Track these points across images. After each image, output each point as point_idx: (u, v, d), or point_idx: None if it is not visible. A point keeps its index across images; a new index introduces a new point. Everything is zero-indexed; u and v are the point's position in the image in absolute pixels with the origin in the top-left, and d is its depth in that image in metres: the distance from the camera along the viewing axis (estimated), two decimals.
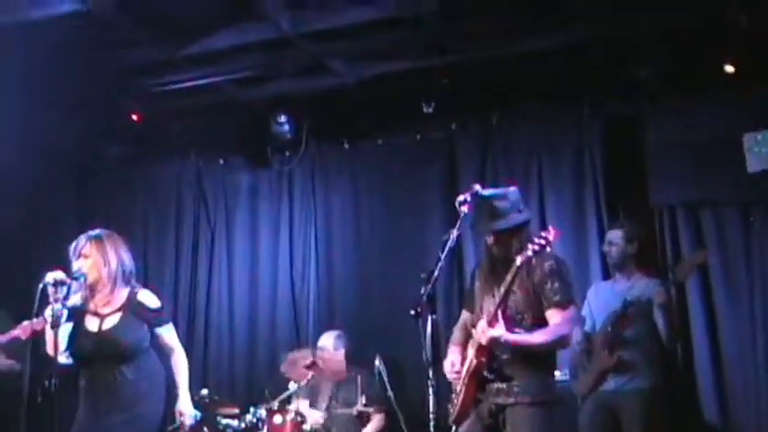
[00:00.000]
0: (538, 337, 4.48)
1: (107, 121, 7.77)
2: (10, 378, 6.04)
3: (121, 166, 8.47)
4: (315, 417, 6.77)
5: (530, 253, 4.39)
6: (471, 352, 4.59)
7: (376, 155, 7.94)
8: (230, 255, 8.31)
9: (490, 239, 4.68)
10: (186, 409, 5.02)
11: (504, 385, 4.52)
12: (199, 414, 5.20)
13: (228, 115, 7.79)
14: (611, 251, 6.06)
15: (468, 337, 4.76)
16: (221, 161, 8.50)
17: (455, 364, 4.69)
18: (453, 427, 4.67)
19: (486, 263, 4.80)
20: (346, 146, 8.04)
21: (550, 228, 4.48)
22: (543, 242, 4.40)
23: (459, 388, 4.65)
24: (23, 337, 5.52)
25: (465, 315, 4.98)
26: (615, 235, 6.07)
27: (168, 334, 5.02)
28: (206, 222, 8.46)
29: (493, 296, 4.58)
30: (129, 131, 7.95)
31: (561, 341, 4.56)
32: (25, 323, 5.36)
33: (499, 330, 4.41)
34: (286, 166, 8.16)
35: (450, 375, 4.66)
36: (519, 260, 4.43)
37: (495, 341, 4.41)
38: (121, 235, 5.06)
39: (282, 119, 7.54)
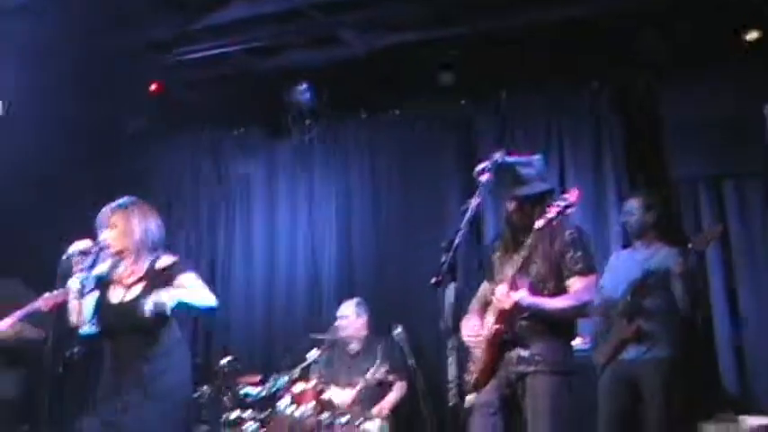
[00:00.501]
0: (560, 302, 4.47)
1: (126, 93, 7.77)
2: (38, 346, 6.05)
3: (140, 138, 8.49)
4: (342, 397, 6.81)
5: (550, 215, 4.36)
6: (490, 319, 4.58)
7: (394, 125, 7.92)
8: (249, 225, 8.33)
9: (512, 206, 4.65)
10: (165, 297, 4.62)
11: (524, 353, 4.51)
12: (168, 308, 4.66)
13: (246, 86, 7.79)
14: (630, 221, 6.02)
15: (486, 307, 4.76)
16: (239, 132, 8.50)
17: (474, 327, 4.70)
18: (470, 396, 4.68)
19: (507, 231, 4.76)
20: (364, 116, 8.03)
21: (572, 190, 4.45)
22: (564, 203, 4.38)
23: (476, 355, 4.65)
24: (45, 309, 5.54)
25: (485, 286, 4.97)
26: (633, 204, 6.04)
27: (191, 281, 4.83)
28: (224, 194, 8.48)
29: (513, 263, 4.57)
30: (148, 104, 7.95)
31: (583, 308, 4.55)
32: (46, 295, 5.38)
33: (521, 294, 4.40)
34: (304, 136, 8.15)
35: (468, 339, 4.63)
36: (539, 223, 4.41)
37: (517, 305, 4.40)
38: None
39: (300, 90, 7.52)
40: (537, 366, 4.47)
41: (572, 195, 4.40)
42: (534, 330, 4.50)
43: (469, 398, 4.63)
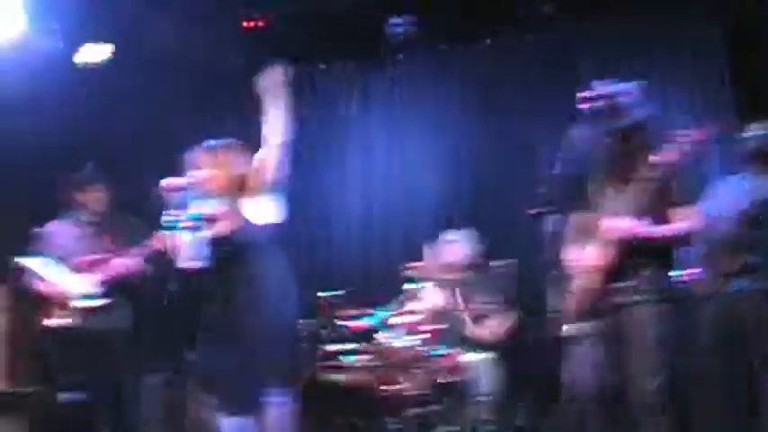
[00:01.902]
0: (668, 230, 4.44)
1: (222, 28, 7.81)
2: (143, 281, 6.19)
3: (235, 74, 8.53)
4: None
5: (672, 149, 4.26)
6: (591, 249, 4.55)
7: (492, 56, 7.81)
8: (344, 158, 8.36)
9: (611, 137, 4.60)
10: None
11: (627, 284, 4.50)
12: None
13: (341, 19, 7.76)
14: (753, 140, 5.86)
15: (584, 237, 4.73)
16: (335, 65, 8.48)
17: (577, 258, 4.68)
18: (572, 326, 4.67)
19: (607, 161, 4.73)
20: (461, 47, 7.92)
21: (705, 127, 4.34)
22: (692, 139, 4.26)
23: (578, 284, 4.64)
24: (162, 249, 5.68)
25: (580, 216, 4.94)
26: (762, 127, 5.88)
27: None
28: (320, 128, 8.50)
29: (615, 193, 4.53)
30: (243, 39, 7.98)
31: (689, 236, 4.54)
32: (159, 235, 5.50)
33: (630, 222, 4.35)
34: (399, 68, 8.10)
35: (570, 267, 4.64)
36: (658, 158, 4.30)
37: (625, 234, 4.34)
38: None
39: (395, 21, 7.47)
40: (640, 296, 4.46)
41: (703, 132, 4.28)
42: (637, 260, 4.47)
43: (572, 327, 4.63)
